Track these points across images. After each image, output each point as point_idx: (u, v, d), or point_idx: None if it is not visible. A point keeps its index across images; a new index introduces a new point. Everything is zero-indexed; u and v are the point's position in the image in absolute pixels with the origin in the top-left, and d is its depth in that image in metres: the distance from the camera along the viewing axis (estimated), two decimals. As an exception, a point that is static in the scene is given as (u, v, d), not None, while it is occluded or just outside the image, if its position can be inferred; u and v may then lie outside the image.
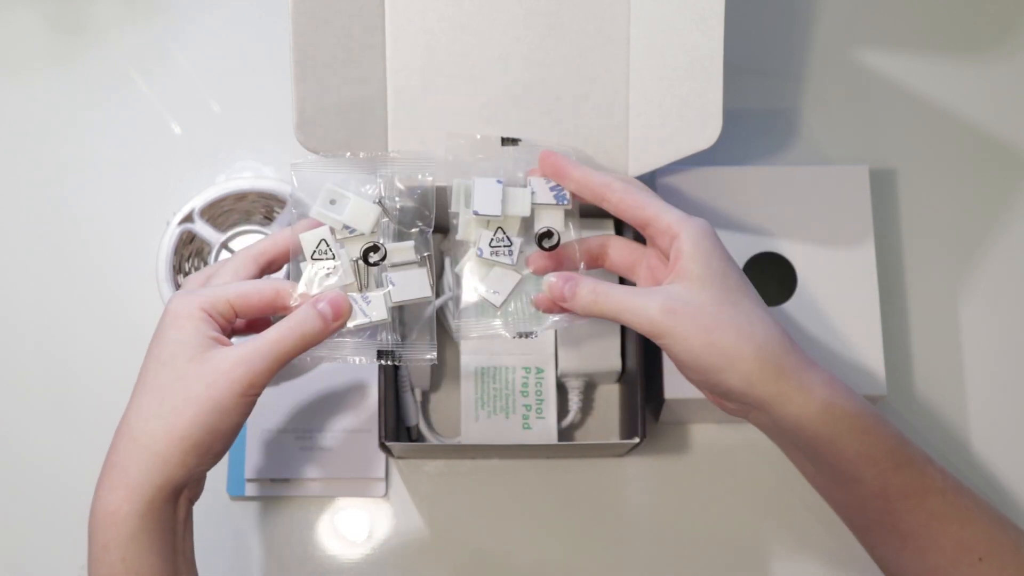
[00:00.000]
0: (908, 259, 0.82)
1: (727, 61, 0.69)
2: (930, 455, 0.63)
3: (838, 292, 0.75)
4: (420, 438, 0.78)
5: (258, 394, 0.59)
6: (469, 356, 0.75)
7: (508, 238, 0.65)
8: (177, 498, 0.59)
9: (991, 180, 0.84)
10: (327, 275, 0.62)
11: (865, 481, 0.61)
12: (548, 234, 0.64)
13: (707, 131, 0.70)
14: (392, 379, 0.75)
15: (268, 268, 0.63)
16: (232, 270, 0.62)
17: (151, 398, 0.58)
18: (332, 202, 0.64)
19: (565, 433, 0.77)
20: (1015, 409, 0.79)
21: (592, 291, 0.60)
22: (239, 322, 0.63)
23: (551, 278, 0.61)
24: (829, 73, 0.86)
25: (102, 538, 0.57)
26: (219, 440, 0.58)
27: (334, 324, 0.60)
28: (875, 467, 0.61)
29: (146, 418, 0.57)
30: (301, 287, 0.61)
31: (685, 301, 0.58)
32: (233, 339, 0.61)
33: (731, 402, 0.61)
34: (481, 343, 0.75)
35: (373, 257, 0.63)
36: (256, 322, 0.65)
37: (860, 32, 0.87)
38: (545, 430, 0.75)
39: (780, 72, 0.87)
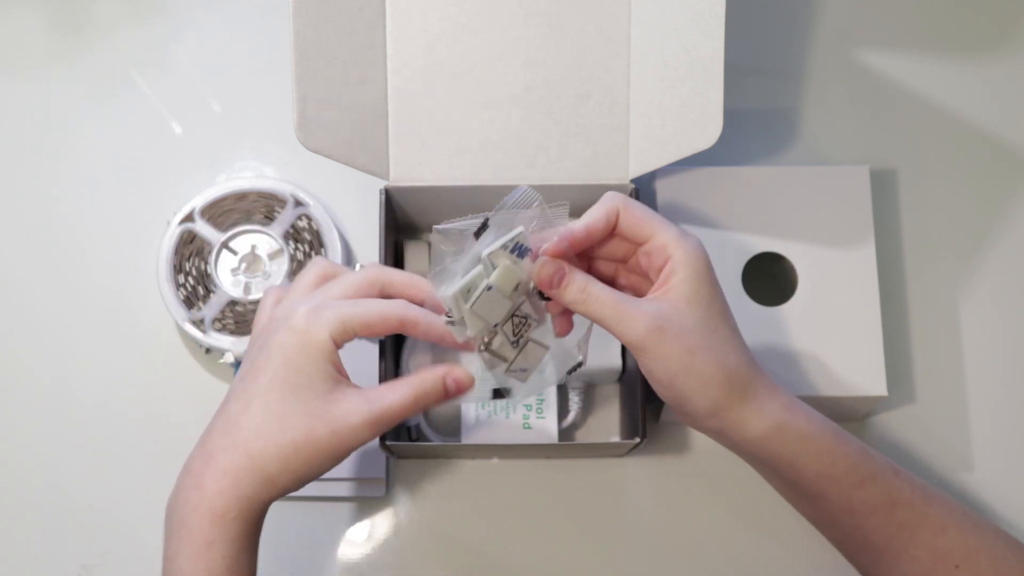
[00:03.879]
0: (908, 259, 0.82)
1: (728, 61, 0.69)
2: (897, 466, 0.63)
3: (838, 292, 0.75)
4: (420, 438, 0.78)
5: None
6: (470, 356, 0.75)
7: (523, 316, 0.61)
8: (267, 508, 0.62)
9: (992, 180, 0.84)
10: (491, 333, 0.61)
11: (829, 498, 0.63)
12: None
13: (708, 131, 0.70)
14: (392, 379, 0.75)
15: (381, 295, 0.64)
16: (354, 288, 0.63)
17: (273, 421, 0.59)
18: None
19: (565, 433, 0.77)
20: (1016, 409, 0.79)
21: (581, 289, 0.60)
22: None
23: (542, 261, 0.60)
24: (830, 73, 0.86)
25: (208, 534, 0.59)
26: (317, 477, 0.61)
27: (453, 399, 0.62)
28: (837, 485, 0.62)
29: (266, 440, 0.59)
30: (469, 331, 0.60)
31: (673, 321, 0.59)
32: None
33: (692, 421, 0.62)
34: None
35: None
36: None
37: (861, 32, 0.87)
38: (545, 430, 0.75)
39: (780, 72, 0.87)
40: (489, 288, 0.59)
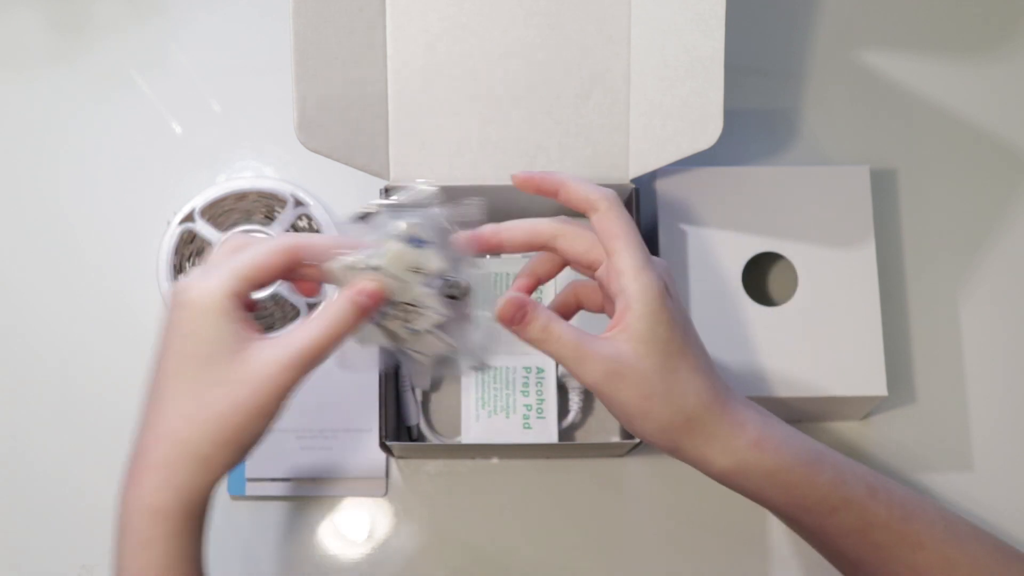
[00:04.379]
0: (909, 259, 0.82)
1: (728, 61, 0.69)
2: (877, 485, 0.62)
3: (839, 292, 0.75)
4: (420, 438, 0.78)
5: (295, 393, 0.58)
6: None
7: (414, 303, 0.61)
8: (212, 492, 0.59)
9: (992, 180, 0.84)
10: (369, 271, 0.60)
11: (801, 523, 0.63)
12: (455, 284, 0.61)
13: (708, 131, 0.70)
14: (392, 379, 0.75)
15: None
16: (262, 254, 0.59)
17: (191, 401, 0.57)
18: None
19: (566, 433, 0.77)
20: (1016, 409, 0.79)
21: (543, 328, 0.59)
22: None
23: (502, 301, 0.59)
24: (830, 73, 0.86)
25: (146, 534, 0.57)
26: (259, 440, 0.58)
27: (371, 313, 0.59)
28: (807, 513, 0.62)
29: (189, 422, 0.57)
30: (348, 260, 0.59)
31: (629, 365, 0.58)
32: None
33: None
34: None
35: (450, 289, 0.61)
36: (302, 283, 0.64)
37: (861, 32, 0.87)
38: (545, 430, 0.75)
39: (781, 72, 0.87)
40: (376, 268, 0.59)
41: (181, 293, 0.57)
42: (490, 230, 0.61)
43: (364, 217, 0.61)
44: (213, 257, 0.60)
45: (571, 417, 0.76)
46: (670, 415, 0.59)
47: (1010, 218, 0.83)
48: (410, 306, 0.60)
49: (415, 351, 0.62)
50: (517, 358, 0.75)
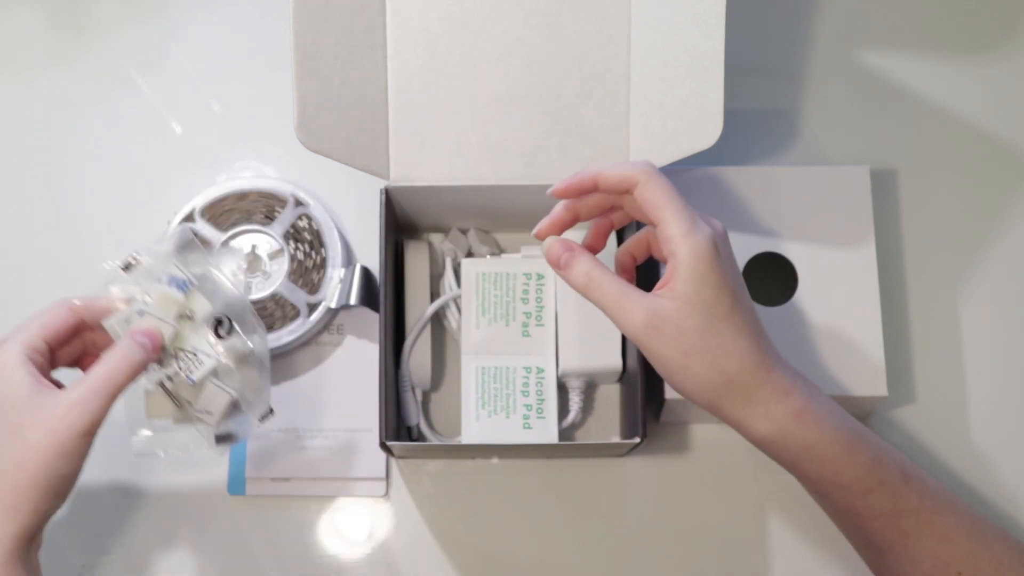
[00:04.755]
0: (909, 259, 0.82)
1: (728, 61, 0.69)
2: (911, 472, 0.63)
3: (839, 292, 0.75)
4: (420, 438, 0.78)
5: (97, 432, 0.60)
6: (470, 356, 0.75)
7: (189, 351, 0.64)
8: (30, 546, 0.59)
9: (992, 180, 0.84)
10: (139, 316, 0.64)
11: (831, 499, 0.63)
12: (219, 321, 0.65)
13: (708, 131, 0.70)
14: (392, 379, 0.75)
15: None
16: (45, 315, 0.64)
17: None
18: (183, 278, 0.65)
19: (566, 433, 0.77)
20: (1016, 409, 0.79)
21: (586, 274, 0.61)
22: (63, 358, 0.65)
23: (551, 241, 0.62)
24: (830, 73, 0.86)
25: None
26: (65, 483, 0.59)
27: (153, 355, 0.63)
28: (840, 491, 0.62)
29: None
30: (120, 314, 0.64)
31: (670, 321, 0.59)
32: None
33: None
34: (483, 343, 0.75)
35: (221, 330, 0.65)
36: (82, 358, 0.66)
37: (861, 32, 0.87)
38: (546, 430, 0.75)
39: (781, 72, 0.87)
40: (141, 314, 0.63)
41: None
42: (588, 177, 0.62)
43: (127, 268, 0.65)
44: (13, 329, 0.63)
45: (571, 417, 0.76)
46: (709, 373, 0.59)
47: (1010, 218, 0.83)
48: (186, 352, 0.64)
49: (202, 412, 0.64)
50: (517, 358, 0.75)
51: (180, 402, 0.65)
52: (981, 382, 0.80)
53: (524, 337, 0.75)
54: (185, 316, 0.64)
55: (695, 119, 0.70)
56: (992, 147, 0.85)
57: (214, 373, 0.65)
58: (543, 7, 0.71)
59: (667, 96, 0.70)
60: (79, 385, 0.60)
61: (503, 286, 0.75)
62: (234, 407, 0.66)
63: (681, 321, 0.59)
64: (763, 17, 0.87)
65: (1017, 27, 0.87)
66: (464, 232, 0.80)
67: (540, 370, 0.75)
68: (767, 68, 0.87)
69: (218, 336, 0.65)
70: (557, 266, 0.62)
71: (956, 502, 0.64)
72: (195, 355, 0.64)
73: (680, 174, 0.76)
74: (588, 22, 0.71)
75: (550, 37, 0.71)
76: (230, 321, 0.65)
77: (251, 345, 0.66)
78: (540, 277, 0.76)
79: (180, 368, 0.64)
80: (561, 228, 0.64)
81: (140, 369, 0.62)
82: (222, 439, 0.66)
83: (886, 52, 0.87)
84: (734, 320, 0.60)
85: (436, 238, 0.81)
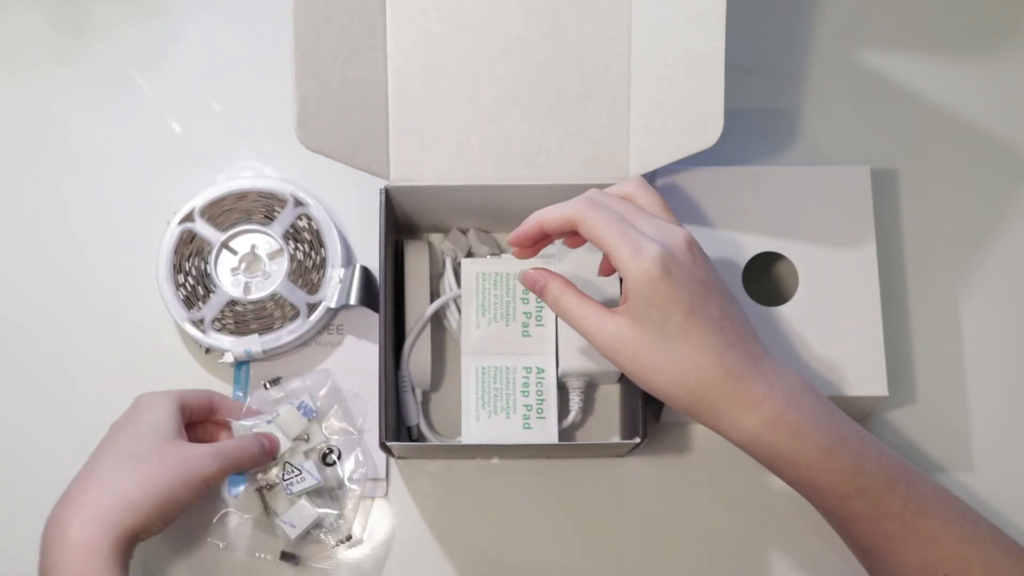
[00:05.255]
0: (909, 259, 0.82)
1: (728, 61, 0.69)
2: (896, 478, 0.62)
3: (839, 292, 0.75)
4: (421, 438, 0.78)
5: (212, 486, 0.69)
6: (470, 356, 0.75)
7: (296, 467, 0.74)
8: (130, 549, 0.66)
9: (992, 180, 0.84)
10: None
11: (813, 502, 0.64)
12: (329, 451, 0.76)
13: (708, 131, 0.69)
14: (392, 379, 0.75)
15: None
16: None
17: (128, 460, 0.67)
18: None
19: (566, 433, 0.77)
20: (1016, 409, 0.79)
21: (555, 302, 0.65)
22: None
23: (524, 271, 0.67)
24: (830, 73, 0.86)
25: (78, 564, 0.63)
26: (176, 508, 0.67)
27: (269, 456, 0.73)
28: (819, 495, 0.63)
29: (124, 471, 0.66)
30: (248, 423, 0.75)
31: (625, 341, 0.62)
32: None
33: None
34: (483, 343, 0.75)
35: (328, 459, 0.75)
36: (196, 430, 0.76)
37: (861, 32, 0.87)
38: (546, 430, 0.75)
39: (781, 72, 0.87)
40: (269, 423, 0.74)
41: (141, 396, 0.72)
42: (533, 225, 0.66)
43: (274, 382, 0.77)
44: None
45: (571, 417, 0.76)
46: (671, 388, 0.62)
47: (1010, 218, 0.83)
48: (293, 467, 0.73)
49: (286, 524, 0.73)
50: (517, 358, 0.75)
51: (269, 509, 0.74)
52: (981, 382, 0.80)
53: (524, 337, 0.75)
54: (302, 439, 0.75)
55: (695, 119, 0.69)
56: (992, 147, 0.85)
57: (310, 493, 0.74)
58: (543, 7, 0.71)
59: (667, 96, 0.70)
60: (213, 445, 0.70)
61: (503, 286, 0.75)
62: (314, 529, 0.74)
63: (634, 341, 0.61)
64: (763, 17, 0.87)
65: (1017, 27, 0.87)
66: (464, 232, 0.80)
67: (540, 370, 0.75)
68: (767, 68, 0.87)
69: (325, 463, 0.75)
70: (534, 292, 0.66)
71: (949, 504, 0.64)
72: (299, 472, 0.73)
73: (681, 174, 0.77)
74: (588, 22, 0.71)
75: (550, 37, 0.71)
76: (339, 454, 0.75)
77: (349, 485, 0.75)
78: (540, 277, 0.76)
79: (283, 479, 0.73)
80: (531, 239, 0.66)
81: (256, 461, 0.72)
82: (286, 556, 0.74)
83: (886, 52, 0.87)
84: (691, 335, 0.61)
85: (436, 238, 0.81)
